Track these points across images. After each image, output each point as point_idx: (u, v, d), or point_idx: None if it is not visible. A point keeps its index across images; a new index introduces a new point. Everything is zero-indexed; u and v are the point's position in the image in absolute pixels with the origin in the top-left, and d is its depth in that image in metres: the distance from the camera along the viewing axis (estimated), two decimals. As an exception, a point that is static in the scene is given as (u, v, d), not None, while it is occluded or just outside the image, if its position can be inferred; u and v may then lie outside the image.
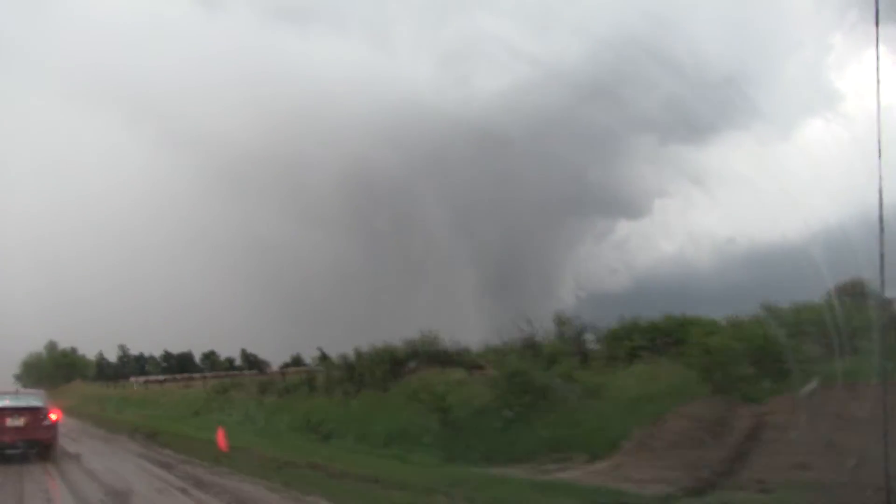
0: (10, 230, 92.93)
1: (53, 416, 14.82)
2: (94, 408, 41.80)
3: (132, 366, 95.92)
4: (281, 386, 23.21)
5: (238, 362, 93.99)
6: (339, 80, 75.86)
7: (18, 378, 75.36)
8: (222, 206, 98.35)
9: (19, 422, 13.87)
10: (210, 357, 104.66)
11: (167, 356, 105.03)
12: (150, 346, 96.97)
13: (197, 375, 62.03)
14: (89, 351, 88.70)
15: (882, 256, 4.41)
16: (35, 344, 79.08)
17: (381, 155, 78.23)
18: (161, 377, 68.16)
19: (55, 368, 77.85)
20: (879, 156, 4.43)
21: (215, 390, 29.51)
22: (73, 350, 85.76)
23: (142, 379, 69.76)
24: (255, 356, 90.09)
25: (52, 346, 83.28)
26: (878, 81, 4.55)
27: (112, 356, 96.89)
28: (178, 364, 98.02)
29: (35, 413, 14.37)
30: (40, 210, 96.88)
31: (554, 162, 76.57)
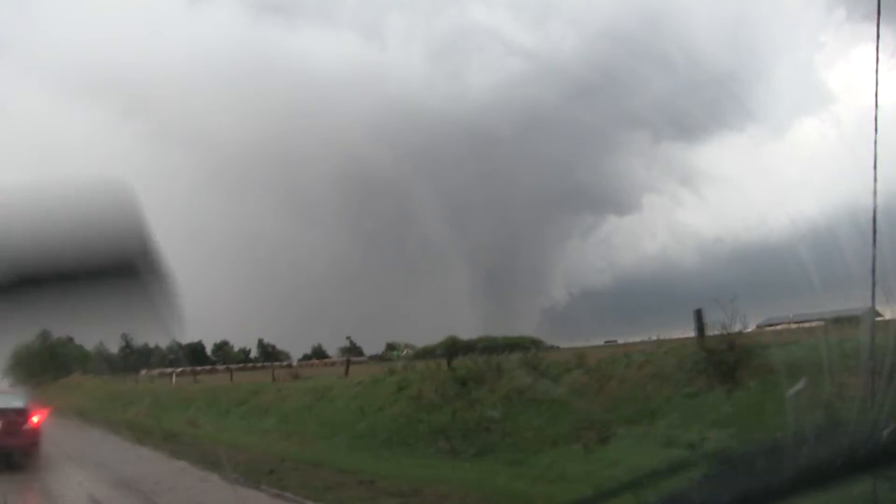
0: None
1: (35, 419, 12.39)
2: (129, 411, 25.69)
3: (136, 357, 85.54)
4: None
5: (254, 354, 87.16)
6: (331, 75, 79.83)
7: (6, 372, 60.45)
8: (222, 202, 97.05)
9: None
10: (222, 348, 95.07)
11: (174, 347, 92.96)
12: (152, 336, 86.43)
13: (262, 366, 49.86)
14: (86, 341, 75.39)
15: (874, 258, 3.95)
16: (25, 333, 64.99)
17: (376, 152, 79.55)
18: (179, 369, 55.11)
19: (49, 360, 62.60)
20: (875, 155, 3.98)
21: (447, 384, 13.50)
22: (70, 339, 69.70)
23: (155, 371, 58.33)
24: (272, 347, 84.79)
25: (44, 335, 67.66)
26: (877, 72, 3.90)
27: (112, 347, 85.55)
28: (188, 355, 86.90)
29: (14, 416, 12.05)
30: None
31: (546, 158, 79.56)
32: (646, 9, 68.30)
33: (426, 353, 63.57)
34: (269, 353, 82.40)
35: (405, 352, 69.51)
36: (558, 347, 35.83)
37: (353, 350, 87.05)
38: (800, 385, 6.41)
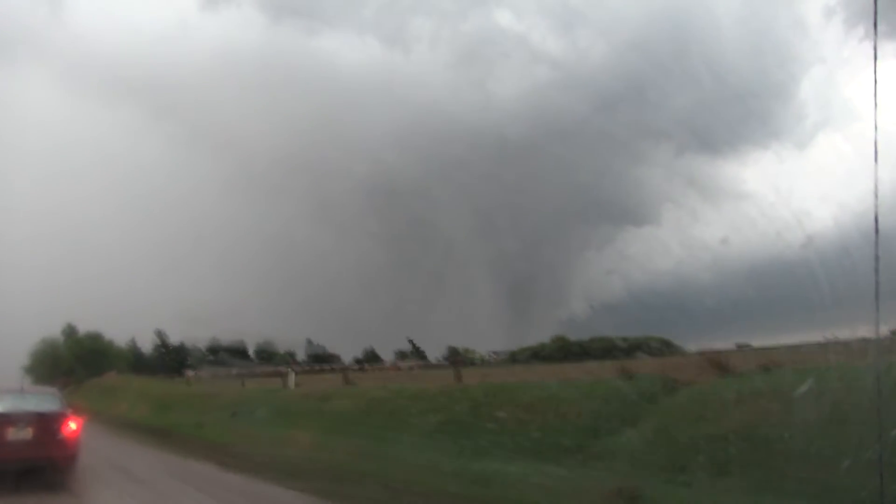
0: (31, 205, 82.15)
1: (73, 425, 10.50)
2: (261, 437, 15.23)
3: (171, 356, 77.20)
4: None
5: (300, 356, 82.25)
6: (355, 81, 76.94)
7: (28, 371, 54.90)
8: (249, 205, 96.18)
9: (25, 433, 9.93)
10: (266, 349, 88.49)
11: (214, 347, 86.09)
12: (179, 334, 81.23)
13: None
14: (114, 338, 68.31)
15: (877, 260, 4.36)
16: (47, 329, 60.34)
17: (399, 159, 77.02)
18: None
19: (76, 358, 54.46)
20: (876, 161, 4.35)
21: None
22: (99, 335, 61.43)
23: (205, 371, 55.93)
24: (322, 349, 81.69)
25: (70, 330, 61.61)
26: (876, 82, 4.44)
27: (144, 344, 78.85)
28: (228, 356, 79.74)
29: (47, 421, 10.31)
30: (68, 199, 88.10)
31: (568, 167, 75.05)
32: (673, 23, 66.97)
33: (525, 355, 55.34)
34: (319, 356, 77.68)
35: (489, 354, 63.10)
36: (683, 350, 33.52)
37: (416, 354, 79.44)
38: (806, 385, 7.22)
